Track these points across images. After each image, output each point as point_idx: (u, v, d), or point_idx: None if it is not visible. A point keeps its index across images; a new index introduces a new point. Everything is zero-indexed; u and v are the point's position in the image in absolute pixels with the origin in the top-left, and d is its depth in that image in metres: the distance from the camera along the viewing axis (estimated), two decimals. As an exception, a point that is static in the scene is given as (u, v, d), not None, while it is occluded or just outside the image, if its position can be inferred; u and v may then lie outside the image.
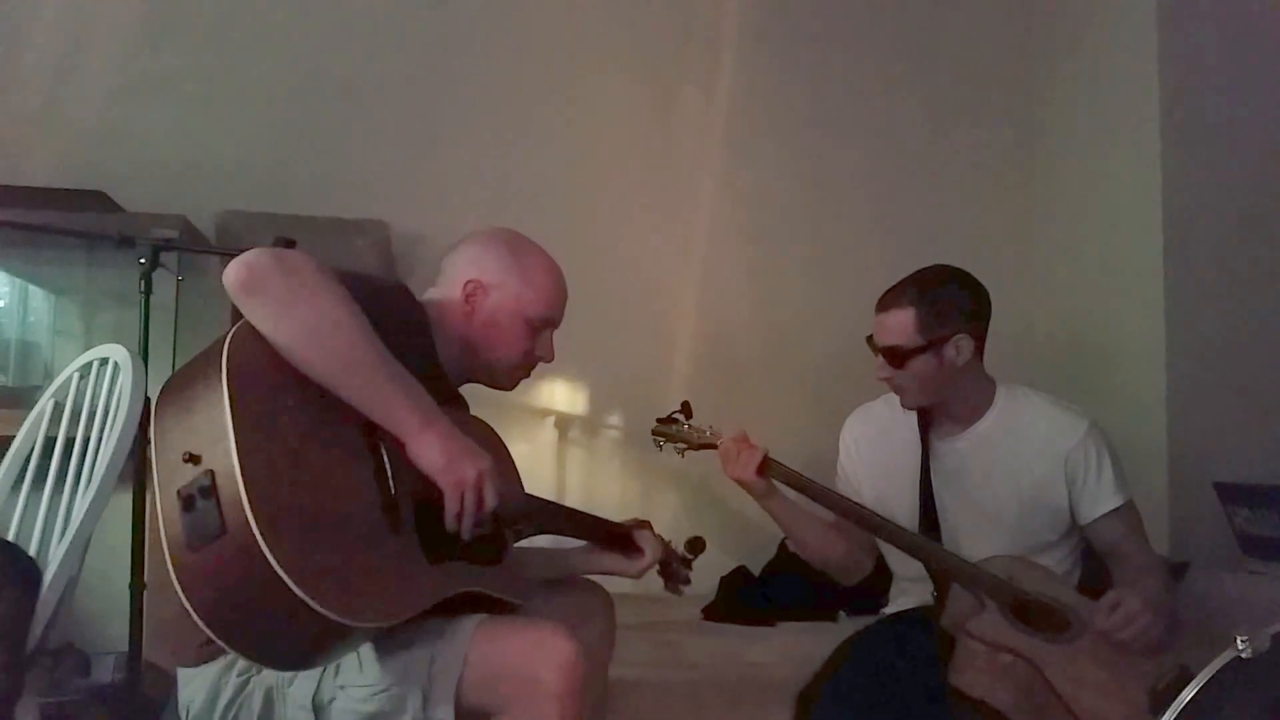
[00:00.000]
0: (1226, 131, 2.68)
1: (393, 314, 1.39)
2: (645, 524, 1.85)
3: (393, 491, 1.28)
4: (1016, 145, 3.30)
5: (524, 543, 1.63)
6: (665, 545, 1.85)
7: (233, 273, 1.22)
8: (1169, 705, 1.44)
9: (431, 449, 1.26)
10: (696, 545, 1.92)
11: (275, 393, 1.20)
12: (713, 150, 3.14)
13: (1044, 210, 3.22)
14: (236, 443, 1.10)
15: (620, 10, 3.13)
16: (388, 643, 1.31)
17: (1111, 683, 1.56)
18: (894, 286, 1.91)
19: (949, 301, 1.86)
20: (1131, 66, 2.82)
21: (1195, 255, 2.65)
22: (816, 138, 3.20)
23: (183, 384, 1.22)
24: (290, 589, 1.06)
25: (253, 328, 1.22)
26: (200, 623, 1.11)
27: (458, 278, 1.58)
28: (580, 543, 1.82)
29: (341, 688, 1.33)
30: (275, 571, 1.06)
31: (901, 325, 1.85)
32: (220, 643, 1.14)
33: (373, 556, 1.22)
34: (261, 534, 1.06)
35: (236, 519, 1.08)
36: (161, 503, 1.14)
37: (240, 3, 2.92)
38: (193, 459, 1.13)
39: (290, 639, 1.16)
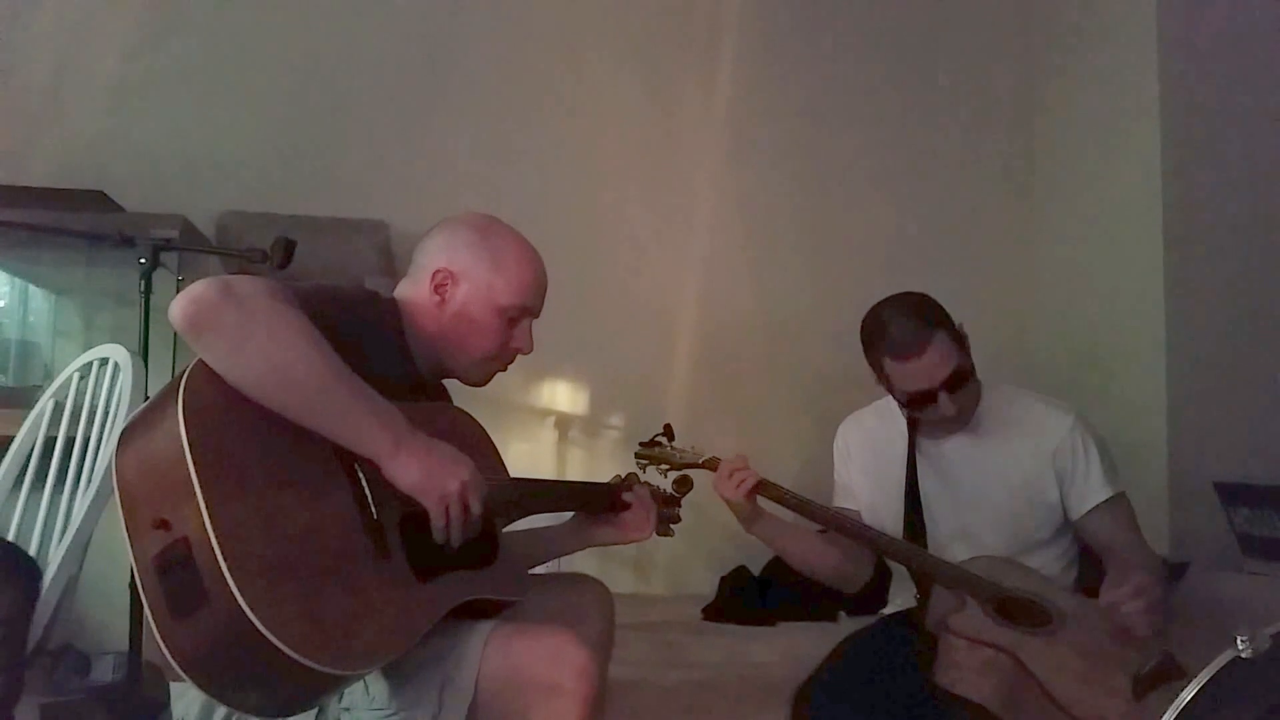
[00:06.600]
0: (1226, 132, 2.67)
1: (360, 322, 1.35)
2: (629, 479, 1.80)
3: (375, 515, 1.23)
4: (1017, 145, 3.30)
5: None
6: (653, 491, 1.81)
7: (178, 309, 1.14)
8: (1153, 689, 1.44)
9: (407, 469, 1.21)
10: (684, 483, 1.90)
11: (239, 435, 1.13)
12: (713, 150, 3.15)
13: (1044, 210, 3.22)
14: (205, 503, 1.04)
15: (620, 9, 3.13)
16: (394, 664, 1.28)
17: (1093, 671, 1.55)
18: (904, 331, 1.78)
19: (946, 313, 1.84)
20: (1132, 66, 2.82)
21: (1195, 255, 2.65)
22: (816, 138, 3.20)
23: (142, 433, 1.14)
24: (287, 654, 1.02)
25: (208, 365, 1.15)
26: (188, 680, 1.07)
27: (427, 267, 1.49)
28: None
29: (347, 709, 1.32)
30: (268, 639, 1.02)
31: (946, 351, 1.78)
32: (209, 698, 1.11)
33: (365, 594, 1.17)
34: (248, 604, 1.01)
35: (218, 588, 1.02)
36: (135, 560, 1.08)
37: (240, 3, 2.92)
38: (162, 525, 1.06)
39: (287, 694, 1.13)
